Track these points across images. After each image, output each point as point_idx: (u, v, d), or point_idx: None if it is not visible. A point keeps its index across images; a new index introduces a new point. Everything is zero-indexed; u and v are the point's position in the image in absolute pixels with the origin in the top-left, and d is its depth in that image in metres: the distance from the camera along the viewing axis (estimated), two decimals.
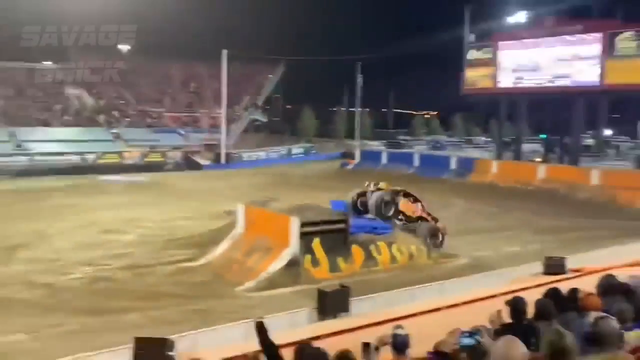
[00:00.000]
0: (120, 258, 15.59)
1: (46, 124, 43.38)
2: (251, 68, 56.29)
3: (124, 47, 59.08)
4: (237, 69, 50.69)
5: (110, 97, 51.14)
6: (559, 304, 4.86)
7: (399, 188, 18.65)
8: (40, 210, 22.86)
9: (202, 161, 43.18)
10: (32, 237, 17.99)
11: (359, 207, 17.95)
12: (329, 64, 57.29)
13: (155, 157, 41.54)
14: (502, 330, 4.35)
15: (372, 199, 17.79)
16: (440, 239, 17.47)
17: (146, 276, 13.90)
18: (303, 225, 14.04)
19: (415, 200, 18.38)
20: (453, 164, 36.42)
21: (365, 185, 18.60)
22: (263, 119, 56.54)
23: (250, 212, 16.37)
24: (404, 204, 18.02)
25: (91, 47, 52.26)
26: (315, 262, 13.84)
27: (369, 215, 17.38)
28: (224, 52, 43.60)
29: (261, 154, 46.75)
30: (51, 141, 39.68)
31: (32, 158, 37.18)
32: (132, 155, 40.60)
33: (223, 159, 43.76)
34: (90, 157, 38.72)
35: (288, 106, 73.80)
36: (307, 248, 13.91)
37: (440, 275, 13.31)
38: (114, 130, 44.54)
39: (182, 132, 47.83)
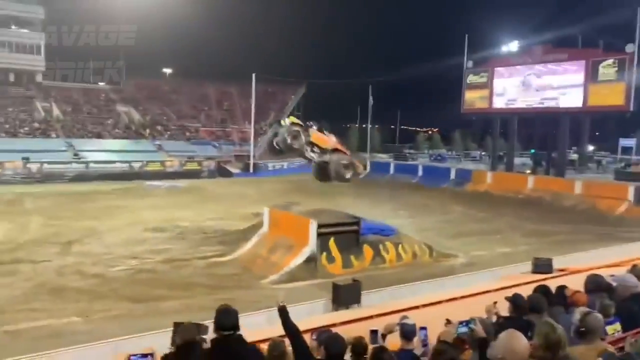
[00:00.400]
0: (160, 253, 15.66)
1: (99, 136, 43.83)
2: (276, 88, 56.50)
3: (167, 70, 59.89)
4: (264, 89, 50.90)
5: (155, 113, 51.58)
6: (548, 299, 4.78)
7: (311, 122, 17.28)
8: (92, 210, 23.06)
9: (233, 170, 43.30)
10: (86, 233, 18.13)
11: (275, 146, 16.68)
12: (344, 85, 57.38)
13: (192, 166, 41.72)
14: (503, 323, 4.28)
15: (282, 133, 16.33)
16: (353, 172, 16.65)
17: (183, 269, 13.94)
18: (320, 226, 14.03)
19: (330, 133, 17.18)
20: (452, 175, 36.16)
21: (280, 123, 17.08)
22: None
23: (274, 214, 16.38)
24: (315, 135, 16.70)
25: (139, 69, 53.04)
26: (330, 259, 13.81)
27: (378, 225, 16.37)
28: (254, 75, 43.82)
29: (284, 164, 46.74)
30: (103, 151, 40.05)
31: (86, 165, 37.53)
32: (172, 164, 40.83)
33: (251, 168, 43.86)
34: (137, 165, 38.97)
35: (309, 122, 73.81)
36: (323, 246, 13.89)
37: (440, 272, 13.19)
38: (157, 142, 44.88)
39: (216, 144, 48.09)
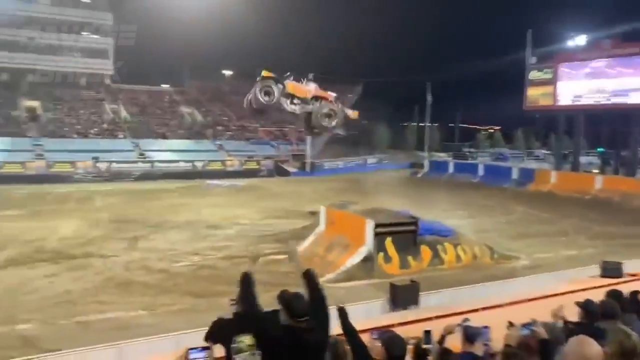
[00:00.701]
0: (221, 250, 16.02)
1: (164, 136, 45.34)
2: (333, 87, 56.53)
3: (228, 72, 61.19)
4: (321, 89, 51.08)
5: (216, 114, 52.85)
6: (620, 305, 4.52)
7: (289, 73, 16.10)
8: (157, 207, 23.90)
9: (290, 169, 43.74)
10: (151, 229, 18.81)
11: (252, 105, 15.96)
12: (402, 84, 56.68)
13: (251, 165, 42.47)
14: (573, 329, 4.09)
15: (253, 92, 15.47)
16: (337, 120, 15.75)
17: (242, 265, 14.16)
18: (377, 226, 13.93)
19: (309, 81, 16.11)
20: (514, 174, 35.02)
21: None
22: (342, 132, 56.61)
23: (330, 213, 16.40)
24: (292, 85, 15.75)
25: (201, 71, 54.52)
26: (387, 259, 13.68)
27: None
28: (310, 75, 44.06)
29: (340, 163, 46.77)
30: (167, 151, 41.43)
31: (152, 164, 38.97)
32: (232, 163, 41.74)
33: (308, 167, 44.16)
34: (199, 164, 40.08)
35: (365, 121, 73.47)
36: (380, 246, 13.78)
37: (501, 275, 12.80)
38: (218, 142, 45.97)
39: (274, 144, 48.75)
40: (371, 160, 50.40)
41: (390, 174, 42.21)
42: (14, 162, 35.13)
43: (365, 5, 64.46)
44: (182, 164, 39.70)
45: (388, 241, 13.84)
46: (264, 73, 15.80)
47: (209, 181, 35.10)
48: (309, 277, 3.82)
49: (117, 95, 50.69)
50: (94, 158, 36.79)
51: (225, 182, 35.04)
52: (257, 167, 42.53)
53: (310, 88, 16.25)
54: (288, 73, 16.30)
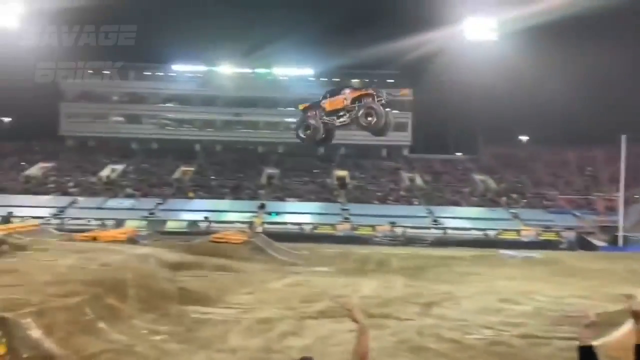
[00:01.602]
0: (516, 326, 15.10)
1: (456, 203, 46.12)
2: None
3: (523, 137, 59.34)
4: (637, 151, 44.98)
5: (510, 181, 51.42)
6: None
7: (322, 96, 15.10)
8: (449, 275, 24.08)
9: (597, 242, 39.10)
10: (443, 297, 18.97)
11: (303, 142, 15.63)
12: None
13: (549, 236, 39.61)
14: None
15: (297, 131, 15.78)
16: (375, 118, 14.61)
17: (541, 347, 13.07)
18: None
19: (336, 94, 15.20)
20: None
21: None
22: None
23: None
24: (328, 103, 15.48)
25: (495, 138, 54.19)
26: None
27: None
28: (623, 137, 39.41)
29: None
30: (460, 218, 41.90)
31: (444, 231, 39.87)
32: (528, 233, 39.65)
33: (620, 241, 38.76)
34: (492, 233, 39.31)
35: None
36: None
37: None
38: (513, 211, 44.40)
39: (577, 213, 44.48)
40: None
41: None
42: (326, 223, 40.63)
43: None
44: (474, 232, 39.56)
45: None
46: (300, 107, 16.06)
47: (502, 251, 33.90)
48: None
49: (413, 164, 54.10)
50: (391, 223, 39.61)
51: (520, 254, 33.32)
52: (556, 238, 39.42)
53: (344, 95, 15.53)
54: (325, 92, 16.00)
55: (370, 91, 15.84)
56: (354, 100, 15.72)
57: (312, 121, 15.99)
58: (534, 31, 43.53)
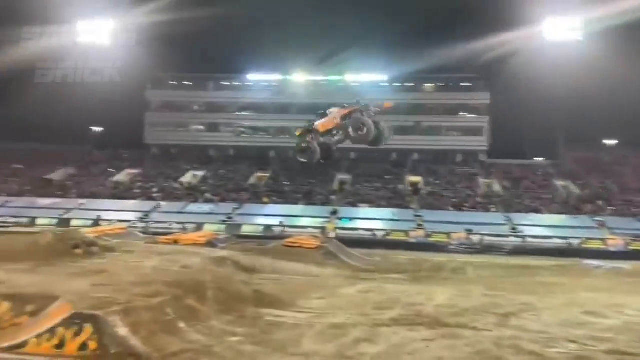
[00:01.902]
0: (602, 341, 14.18)
1: (536, 210, 44.26)
2: None
3: (610, 142, 56.16)
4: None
5: (595, 187, 48.66)
6: None
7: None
8: (529, 285, 23.04)
9: None
10: (522, 308, 18.17)
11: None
12: None
13: (639, 246, 37.05)
14: None
15: (297, 156, 16.16)
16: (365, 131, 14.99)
17: None
18: None
19: (325, 115, 15.80)
20: None
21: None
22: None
23: None
24: (321, 124, 15.68)
25: (578, 142, 51.72)
26: None
27: None
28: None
29: None
30: (540, 226, 40.16)
31: (523, 239, 38.33)
32: (615, 243, 37.27)
33: None
34: (575, 242, 37.34)
35: None
36: None
37: None
38: (598, 219, 41.94)
39: None
40: None
41: None
42: (399, 230, 40.23)
43: None
44: (555, 241, 37.75)
45: None
46: (297, 133, 16.26)
47: (586, 261, 32.06)
48: None
49: (490, 170, 52.44)
50: (467, 230, 38.58)
51: (606, 264, 31.36)
52: None
53: (333, 115, 15.96)
54: (316, 115, 16.49)
55: (356, 107, 16.44)
56: (343, 118, 16.36)
57: (309, 144, 16.69)
58: (621, 30, 41.20)
